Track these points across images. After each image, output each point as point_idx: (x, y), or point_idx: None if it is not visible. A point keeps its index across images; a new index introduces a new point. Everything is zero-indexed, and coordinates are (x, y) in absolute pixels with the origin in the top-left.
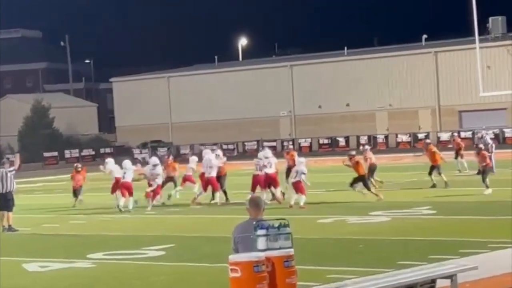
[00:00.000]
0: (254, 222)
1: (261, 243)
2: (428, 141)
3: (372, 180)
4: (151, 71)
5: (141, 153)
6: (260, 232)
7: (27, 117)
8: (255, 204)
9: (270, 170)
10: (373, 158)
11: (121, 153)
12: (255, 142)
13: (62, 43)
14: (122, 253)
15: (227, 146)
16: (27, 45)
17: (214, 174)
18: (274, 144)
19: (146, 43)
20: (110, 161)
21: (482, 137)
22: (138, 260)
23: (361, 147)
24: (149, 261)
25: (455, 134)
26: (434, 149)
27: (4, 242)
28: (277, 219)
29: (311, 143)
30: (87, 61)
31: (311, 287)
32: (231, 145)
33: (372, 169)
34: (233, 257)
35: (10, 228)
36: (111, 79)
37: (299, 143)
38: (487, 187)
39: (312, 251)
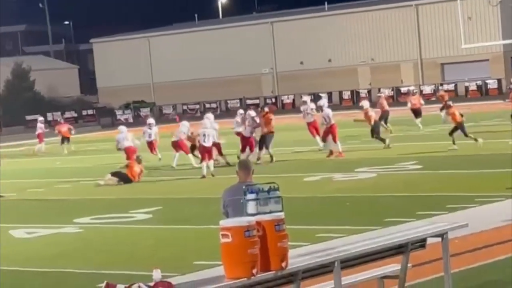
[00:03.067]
0: (244, 186)
1: (251, 207)
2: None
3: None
4: (131, 31)
5: (123, 113)
6: (250, 196)
7: (7, 80)
8: (244, 167)
9: (206, 144)
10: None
11: (104, 114)
12: (238, 100)
13: (40, 5)
14: (110, 217)
15: (209, 105)
16: (5, 8)
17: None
18: (257, 101)
19: (125, 2)
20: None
21: None
22: (125, 223)
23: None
24: (137, 225)
25: (440, 87)
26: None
27: None
28: (267, 183)
29: (293, 99)
30: (66, 22)
31: (300, 247)
32: (214, 103)
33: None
34: (224, 222)
35: None
36: (91, 40)
37: (282, 100)
38: (454, 142)
39: (299, 210)
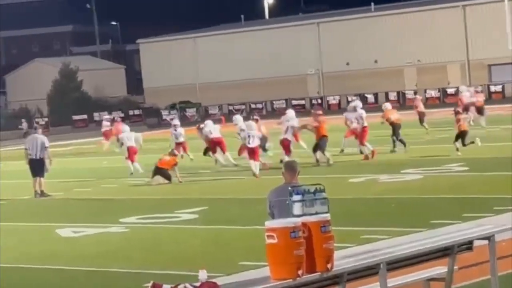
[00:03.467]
0: (290, 187)
1: (297, 208)
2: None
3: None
4: (177, 32)
5: (169, 114)
6: (296, 197)
7: (55, 80)
8: (290, 168)
9: (252, 145)
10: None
11: (150, 114)
12: (284, 101)
13: (88, 6)
14: (155, 217)
15: (255, 105)
16: (53, 8)
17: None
18: (302, 102)
19: (172, 3)
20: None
21: None
22: (171, 223)
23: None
24: (183, 225)
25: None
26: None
27: (37, 208)
28: (313, 184)
29: (339, 100)
30: (113, 23)
31: (346, 249)
32: (260, 104)
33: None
34: (269, 223)
35: (42, 194)
36: (138, 41)
37: (328, 101)
38: (457, 149)
39: (344, 212)
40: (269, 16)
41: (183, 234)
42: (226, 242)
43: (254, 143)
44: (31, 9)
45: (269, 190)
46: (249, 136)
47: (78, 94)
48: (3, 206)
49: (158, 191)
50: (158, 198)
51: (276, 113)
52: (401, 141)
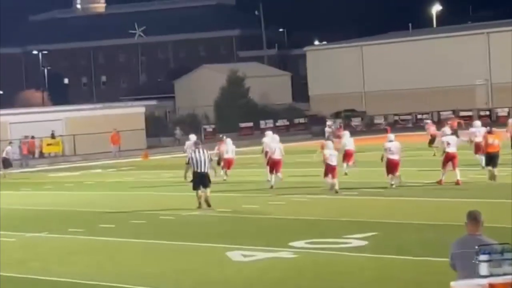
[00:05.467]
0: (477, 247)
1: (483, 269)
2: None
3: None
4: (344, 39)
5: (334, 122)
6: (483, 257)
7: (223, 87)
8: (473, 218)
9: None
10: None
11: (314, 122)
12: (451, 112)
13: (256, 12)
14: (324, 242)
15: (421, 116)
16: (221, 13)
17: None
18: (470, 113)
19: (339, 10)
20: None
21: None
22: (340, 250)
23: None
24: (352, 252)
25: None
26: None
27: (206, 225)
28: (501, 243)
29: (508, 112)
30: (280, 30)
31: None
32: (426, 114)
33: None
34: (455, 285)
35: (208, 206)
36: (305, 48)
37: (496, 113)
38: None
39: None
40: (437, 25)
41: (353, 263)
42: (397, 275)
43: (335, 162)
44: (200, 14)
45: (442, 214)
46: (331, 155)
47: (244, 101)
48: (170, 222)
49: (325, 212)
50: (326, 220)
51: (442, 125)
52: None
